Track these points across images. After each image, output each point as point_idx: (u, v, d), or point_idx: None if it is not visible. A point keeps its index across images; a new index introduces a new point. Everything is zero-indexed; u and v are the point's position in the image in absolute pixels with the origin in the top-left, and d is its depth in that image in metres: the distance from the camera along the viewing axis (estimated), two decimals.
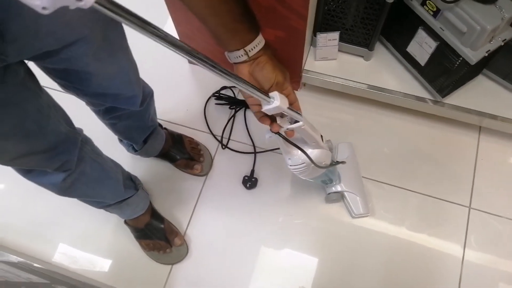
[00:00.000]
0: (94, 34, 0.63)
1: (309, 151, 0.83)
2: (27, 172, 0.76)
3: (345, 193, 1.19)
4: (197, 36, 1.30)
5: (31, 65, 0.64)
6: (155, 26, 0.41)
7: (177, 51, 0.45)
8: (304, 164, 0.85)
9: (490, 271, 1.14)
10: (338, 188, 1.17)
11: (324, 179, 1.13)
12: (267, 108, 0.65)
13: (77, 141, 0.79)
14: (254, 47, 0.65)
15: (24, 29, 0.50)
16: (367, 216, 1.21)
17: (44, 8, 0.31)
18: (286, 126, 0.72)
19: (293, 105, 0.73)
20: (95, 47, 0.64)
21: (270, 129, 0.73)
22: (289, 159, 0.86)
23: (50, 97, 0.72)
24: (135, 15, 0.37)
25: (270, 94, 0.65)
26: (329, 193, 1.18)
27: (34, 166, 0.73)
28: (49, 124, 0.69)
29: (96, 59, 0.67)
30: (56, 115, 0.72)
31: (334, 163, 0.97)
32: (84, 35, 0.60)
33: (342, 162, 1.01)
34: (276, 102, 0.64)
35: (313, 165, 0.84)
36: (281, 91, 0.68)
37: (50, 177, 0.78)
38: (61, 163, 0.75)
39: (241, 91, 0.71)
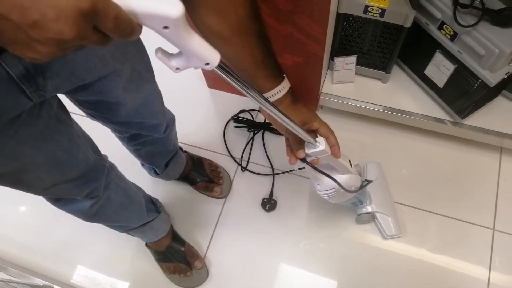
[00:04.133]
0: (124, 67, 0.66)
1: (338, 176, 0.83)
2: (57, 201, 0.79)
3: (376, 214, 1.18)
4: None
5: (61, 96, 0.67)
6: (255, 90, 0.51)
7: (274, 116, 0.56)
8: (334, 190, 0.85)
9: None
10: (369, 209, 1.17)
11: (354, 201, 1.13)
12: (312, 151, 0.68)
13: (104, 168, 0.82)
14: (273, 95, 0.66)
15: (63, 66, 0.53)
16: (399, 237, 1.19)
17: (177, 68, 0.39)
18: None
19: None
20: (125, 79, 0.67)
21: (296, 156, 0.74)
22: (318, 184, 0.86)
23: (78, 126, 0.75)
24: (240, 79, 0.47)
25: (317, 139, 0.68)
26: (359, 214, 1.18)
27: (64, 194, 0.76)
28: (79, 153, 0.71)
29: (126, 91, 0.69)
30: (85, 143, 0.75)
31: (363, 184, 0.97)
32: (116, 69, 0.63)
33: (369, 182, 1.01)
34: (321, 146, 0.68)
35: (342, 190, 0.84)
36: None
37: (79, 204, 0.80)
38: (90, 190, 0.78)
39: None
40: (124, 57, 0.65)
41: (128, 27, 0.31)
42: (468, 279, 1.14)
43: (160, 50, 0.39)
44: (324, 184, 0.85)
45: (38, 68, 0.50)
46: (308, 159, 0.73)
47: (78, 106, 0.74)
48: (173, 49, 0.39)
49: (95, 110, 0.75)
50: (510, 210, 1.22)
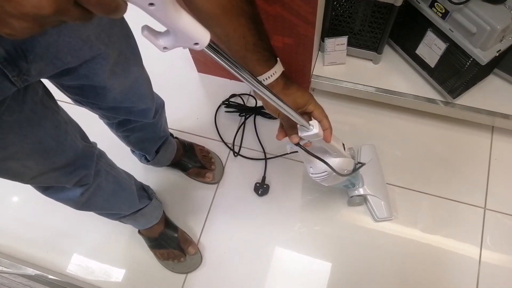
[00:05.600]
0: (110, 50, 0.63)
1: (331, 160, 0.82)
2: (46, 189, 0.77)
3: (368, 197, 1.18)
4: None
5: (46, 82, 0.65)
6: (248, 72, 0.49)
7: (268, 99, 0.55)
8: (326, 173, 0.85)
9: (508, 272, 1.13)
10: (361, 192, 1.17)
11: (346, 184, 1.13)
12: (306, 134, 0.68)
13: (93, 155, 0.80)
14: (265, 80, 0.65)
15: (46, 49, 0.51)
16: (390, 219, 1.20)
17: (165, 47, 0.37)
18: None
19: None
20: (111, 63, 0.65)
21: (290, 141, 0.73)
22: (310, 167, 0.86)
23: (66, 113, 0.73)
24: (232, 61, 0.45)
25: (310, 122, 0.67)
26: (351, 196, 1.18)
27: (53, 182, 0.74)
28: (67, 140, 0.70)
29: (112, 74, 0.67)
30: (73, 130, 0.73)
31: (355, 167, 0.96)
32: (101, 51, 0.61)
33: (362, 165, 1.01)
34: (314, 130, 0.67)
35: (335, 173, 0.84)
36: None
37: (68, 192, 0.79)
38: (79, 178, 0.76)
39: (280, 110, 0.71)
40: (110, 40, 0.63)
41: (112, 2, 0.29)
42: (459, 257, 1.15)
43: (146, 28, 0.36)
44: (317, 167, 0.85)
45: (20, 51, 0.48)
46: (301, 142, 0.72)
47: (64, 92, 0.72)
48: (160, 28, 0.38)
49: (82, 96, 0.73)
50: (501, 189, 1.23)
